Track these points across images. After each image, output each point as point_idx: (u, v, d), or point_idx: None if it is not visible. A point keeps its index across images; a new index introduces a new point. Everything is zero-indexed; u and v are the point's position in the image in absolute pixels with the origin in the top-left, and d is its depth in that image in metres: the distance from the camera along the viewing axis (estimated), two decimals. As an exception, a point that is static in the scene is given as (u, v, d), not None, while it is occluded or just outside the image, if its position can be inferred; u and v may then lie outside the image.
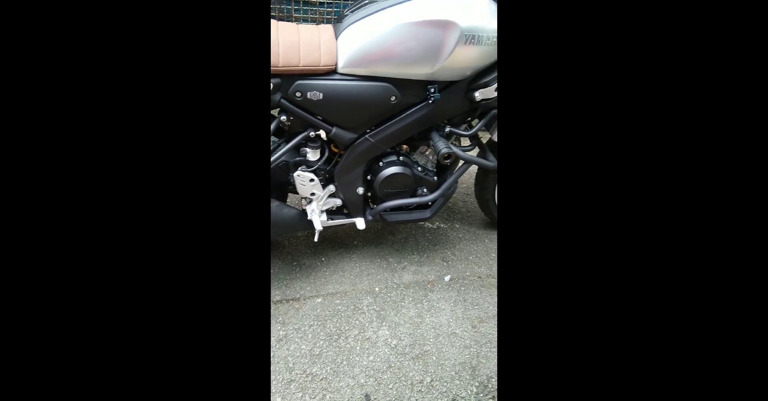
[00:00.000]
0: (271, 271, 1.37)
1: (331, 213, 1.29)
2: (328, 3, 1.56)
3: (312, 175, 1.15)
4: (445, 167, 1.33)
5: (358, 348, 1.12)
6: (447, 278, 1.39)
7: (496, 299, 1.33)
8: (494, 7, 1.00)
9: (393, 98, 1.07)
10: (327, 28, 1.07)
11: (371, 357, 1.10)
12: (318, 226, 1.19)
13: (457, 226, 1.64)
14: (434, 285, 1.36)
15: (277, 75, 1.00)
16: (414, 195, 1.27)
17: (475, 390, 1.04)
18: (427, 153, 1.28)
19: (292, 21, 1.45)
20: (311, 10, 1.58)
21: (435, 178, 1.28)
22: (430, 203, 1.32)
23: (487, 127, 1.25)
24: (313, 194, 1.19)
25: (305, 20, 1.62)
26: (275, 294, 1.28)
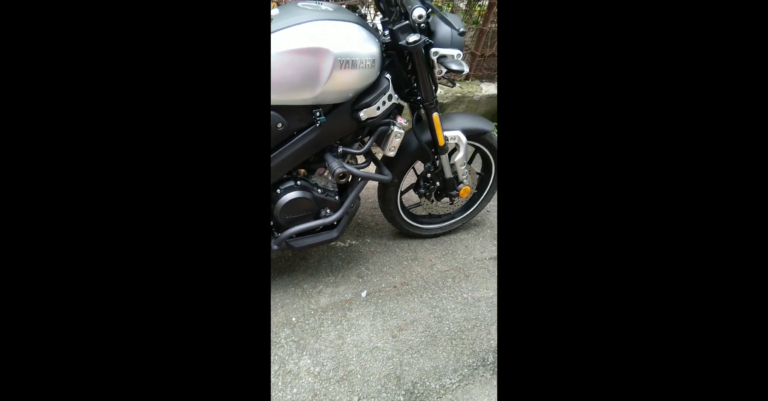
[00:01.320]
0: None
1: (233, 247, 1.23)
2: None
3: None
4: (345, 186, 1.36)
5: (279, 383, 1.07)
6: (364, 294, 1.40)
7: (412, 305, 1.39)
8: (365, 33, 1.06)
9: (279, 125, 1.07)
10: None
11: (295, 390, 1.06)
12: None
13: (369, 241, 1.68)
14: (352, 303, 1.36)
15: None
16: (318, 217, 1.28)
17: (402, 398, 1.06)
18: (325, 174, 1.30)
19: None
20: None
21: (336, 197, 1.30)
22: (335, 223, 1.33)
23: (378, 143, 1.31)
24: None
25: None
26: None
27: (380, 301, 1.38)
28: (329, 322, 1.28)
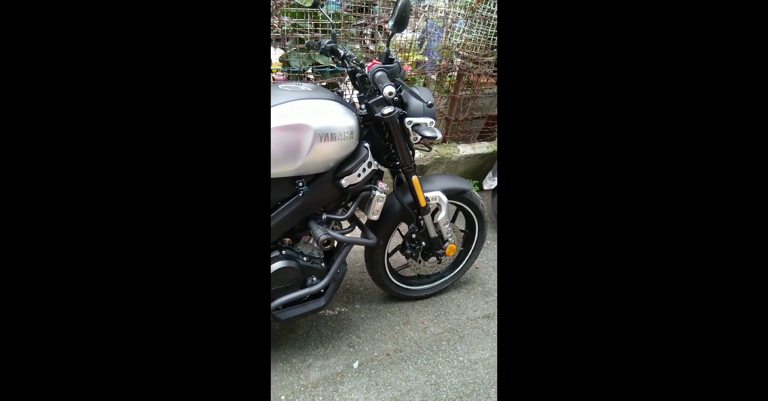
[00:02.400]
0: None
1: (217, 323, 1.19)
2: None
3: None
4: (331, 252, 1.36)
5: (268, 475, 0.98)
6: (356, 364, 1.34)
7: (407, 373, 1.32)
8: (342, 108, 1.15)
9: (263, 197, 1.10)
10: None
11: None
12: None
13: (358, 307, 1.64)
14: (344, 375, 1.29)
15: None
16: (304, 286, 1.26)
17: None
18: (310, 241, 1.31)
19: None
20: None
21: (323, 264, 1.29)
22: (322, 290, 1.31)
23: (361, 208, 1.35)
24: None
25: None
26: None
27: (373, 372, 1.31)
28: (320, 399, 1.20)
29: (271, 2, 1.67)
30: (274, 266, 1.18)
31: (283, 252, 1.23)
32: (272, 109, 1.06)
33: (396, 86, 1.04)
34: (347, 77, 1.93)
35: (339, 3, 1.90)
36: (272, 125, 1.05)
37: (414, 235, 1.49)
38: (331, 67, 1.90)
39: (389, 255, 1.55)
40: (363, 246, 1.48)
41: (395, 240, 1.53)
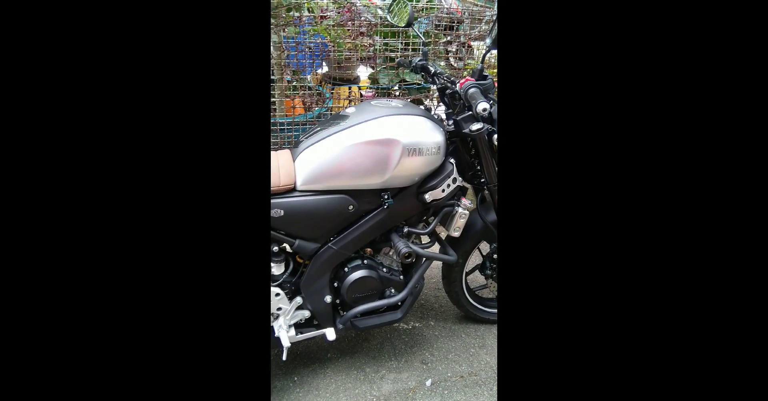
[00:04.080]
0: (239, 400, 1.25)
1: (299, 326, 1.25)
2: (288, 128, 1.75)
3: (277, 289, 1.15)
4: (409, 265, 1.37)
5: None
6: (428, 383, 1.31)
7: (481, 400, 1.26)
8: (430, 123, 1.16)
9: (351, 207, 1.15)
10: (285, 153, 1.19)
11: None
12: (286, 343, 1.14)
13: (432, 324, 1.61)
14: (415, 392, 1.27)
15: (240, 197, 1.07)
16: (382, 297, 1.28)
17: None
18: (390, 253, 1.33)
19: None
20: (273, 135, 1.76)
21: (401, 277, 1.30)
22: (399, 303, 1.32)
23: (443, 224, 1.34)
24: (279, 309, 1.17)
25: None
26: (243, 428, 1.15)
27: (446, 392, 1.27)
28: (392, 413, 1.19)
29: (366, 24, 1.76)
30: (356, 274, 1.22)
31: (365, 261, 1.26)
32: (365, 124, 1.12)
33: (489, 103, 1.03)
34: (432, 93, 1.96)
35: (428, 22, 1.95)
36: (364, 139, 1.10)
37: (495, 255, 1.44)
38: (417, 84, 1.94)
39: (467, 274, 1.51)
40: (440, 263, 1.46)
41: (474, 258, 1.49)
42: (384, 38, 1.79)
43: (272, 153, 1.19)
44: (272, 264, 1.16)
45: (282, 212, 1.09)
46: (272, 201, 1.09)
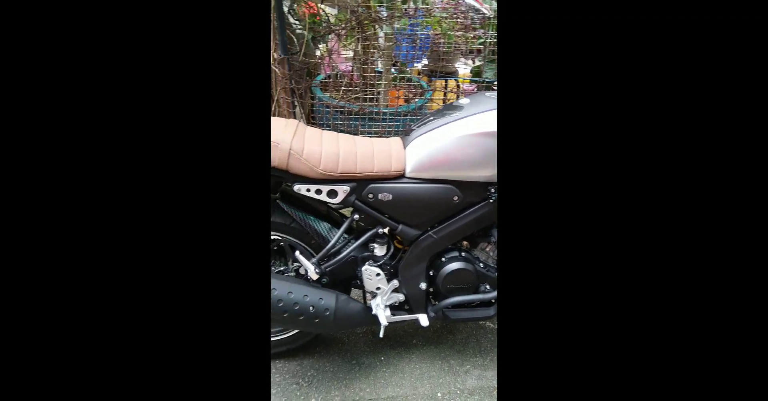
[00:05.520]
0: (331, 370, 1.34)
1: (393, 308, 1.29)
2: (390, 118, 1.80)
3: (378, 270, 1.19)
4: (505, 263, 1.34)
5: (424, 463, 1.01)
6: (516, 385, 1.28)
7: (574, 413, 1.20)
8: None
9: (456, 198, 1.15)
10: (396, 140, 1.22)
11: (440, 477, 0.98)
12: (384, 321, 1.19)
13: (520, 326, 1.56)
14: (502, 392, 1.25)
15: (353, 180, 1.13)
16: (476, 291, 1.27)
17: None
18: (488, 249, 1.31)
19: (358, 134, 1.68)
20: (375, 124, 1.82)
21: (497, 274, 1.28)
22: (493, 300, 1.29)
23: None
24: (378, 288, 1.22)
25: (370, 133, 1.86)
26: (334, 396, 1.23)
27: (534, 398, 1.23)
28: (477, 408, 1.19)
29: (476, 17, 1.74)
30: (452, 266, 1.22)
31: (462, 253, 1.26)
32: (478, 116, 1.11)
33: None
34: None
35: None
36: (476, 130, 1.09)
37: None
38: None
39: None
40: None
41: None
42: (495, 32, 1.75)
43: (384, 139, 1.23)
44: (375, 246, 1.21)
45: (390, 196, 1.13)
46: (383, 185, 1.13)
